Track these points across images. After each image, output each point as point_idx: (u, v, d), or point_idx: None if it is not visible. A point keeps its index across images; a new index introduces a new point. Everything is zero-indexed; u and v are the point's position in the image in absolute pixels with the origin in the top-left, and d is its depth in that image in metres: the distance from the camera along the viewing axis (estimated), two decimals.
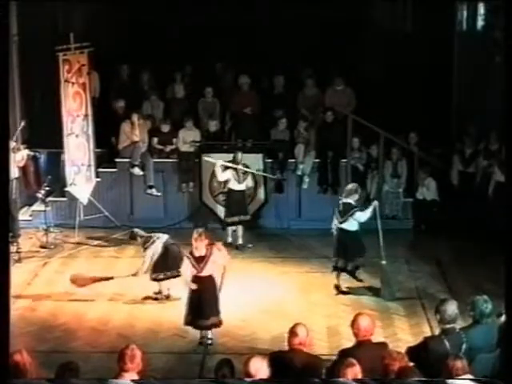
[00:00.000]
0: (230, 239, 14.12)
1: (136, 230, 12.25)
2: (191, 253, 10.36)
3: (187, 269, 10.39)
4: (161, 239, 11.88)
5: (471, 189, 14.59)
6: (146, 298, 11.88)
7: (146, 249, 11.80)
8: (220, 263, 10.55)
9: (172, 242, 11.91)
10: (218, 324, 10.49)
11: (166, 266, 11.65)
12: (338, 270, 12.24)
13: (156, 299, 11.85)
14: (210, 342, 10.49)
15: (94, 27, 16.00)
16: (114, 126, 15.33)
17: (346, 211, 12.00)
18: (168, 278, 11.71)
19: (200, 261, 10.30)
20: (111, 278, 12.03)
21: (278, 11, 16.40)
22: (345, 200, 12.09)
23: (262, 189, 14.86)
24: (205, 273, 10.33)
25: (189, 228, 14.73)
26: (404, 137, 15.15)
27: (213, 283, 10.43)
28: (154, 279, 11.79)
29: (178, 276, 11.22)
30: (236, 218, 14.03)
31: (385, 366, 6.96)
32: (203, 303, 10.34)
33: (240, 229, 14.10)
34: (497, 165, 13.79)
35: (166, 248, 11.77)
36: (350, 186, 12.40)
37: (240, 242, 14.06)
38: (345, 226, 12.02)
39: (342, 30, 16.53)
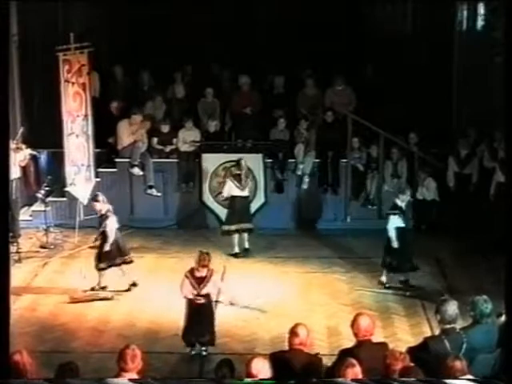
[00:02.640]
0: (236, 249, 13.66)
1: (99, 194, 12.49)
2: (191, 272, 10.17)
3: (185, 288, 10.17)
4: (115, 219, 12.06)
5: (468, 190, 14.58)
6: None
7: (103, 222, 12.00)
8: (218, 286, 10.46)
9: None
10: (211, 342, 10.28)
11: (110, 254, 11.95)
12: (393, 269, 12.33)
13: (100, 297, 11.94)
14: (204, 353, 10.28)
15: (93, 27, 15.99)
16: (112, 126, 15.36)
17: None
18: (111, 267, 12.03)
19: (200, 281, 10.12)
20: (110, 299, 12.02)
21: (278, 11, 16.40)
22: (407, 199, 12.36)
23: (262, 189, 14.85)
24: (203, 292, 10.16)
25: (189, 228, 14.84)
26: (404, 137, 15.14)
27: (209, 302, 10.26)
28: (100, 269, 12.03)
29: (124, 263, 11.84)
30: (236, 227, 13.66)
31: (387, 366, 6.95)
32: (200, 321, 10.19)
33: (245, 236, 13.77)
34: (499, 165, 13.77)
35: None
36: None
37: (246, 245, 13.73)
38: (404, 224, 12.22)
39: (342, 30, 16.52)
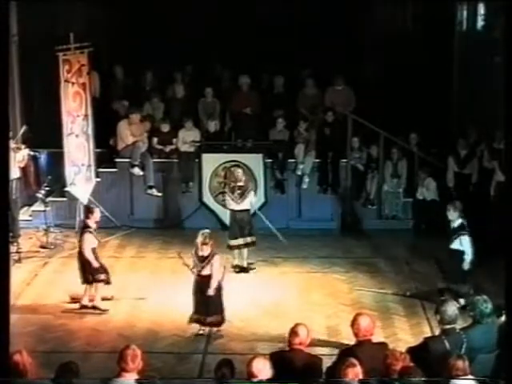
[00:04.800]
0: (236, 261, 13.13)
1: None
2: (196, 251, 10.60)
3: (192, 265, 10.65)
4: None
5: (468, 190, 14.58)
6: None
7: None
8: (218, 267, 10.66)
9: None
10: (220, 322, 10.62)
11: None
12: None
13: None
14: (202, 331, 10.65)
15: (93, 27, 16.01)
16: (112, 126, 15.36)
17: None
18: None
19: (202, 260, 10.52)
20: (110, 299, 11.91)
21: (278, 11, 16.41)
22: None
23: (262, 189, 14.84)
24: (205, 272, 10.52)
25: (189, 228, 14.82)
26: (404, 137, 15.15)
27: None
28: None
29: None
30: (241, 241, 13.06)
31: (387, 366, 6.96)
32: (205, 301, 10.52)
33: (245, 250, 13.16)
34: (498, 165, 13.77)
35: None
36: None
37: (245, 264, 13.14)
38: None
39: (342, 29, 16.53)
